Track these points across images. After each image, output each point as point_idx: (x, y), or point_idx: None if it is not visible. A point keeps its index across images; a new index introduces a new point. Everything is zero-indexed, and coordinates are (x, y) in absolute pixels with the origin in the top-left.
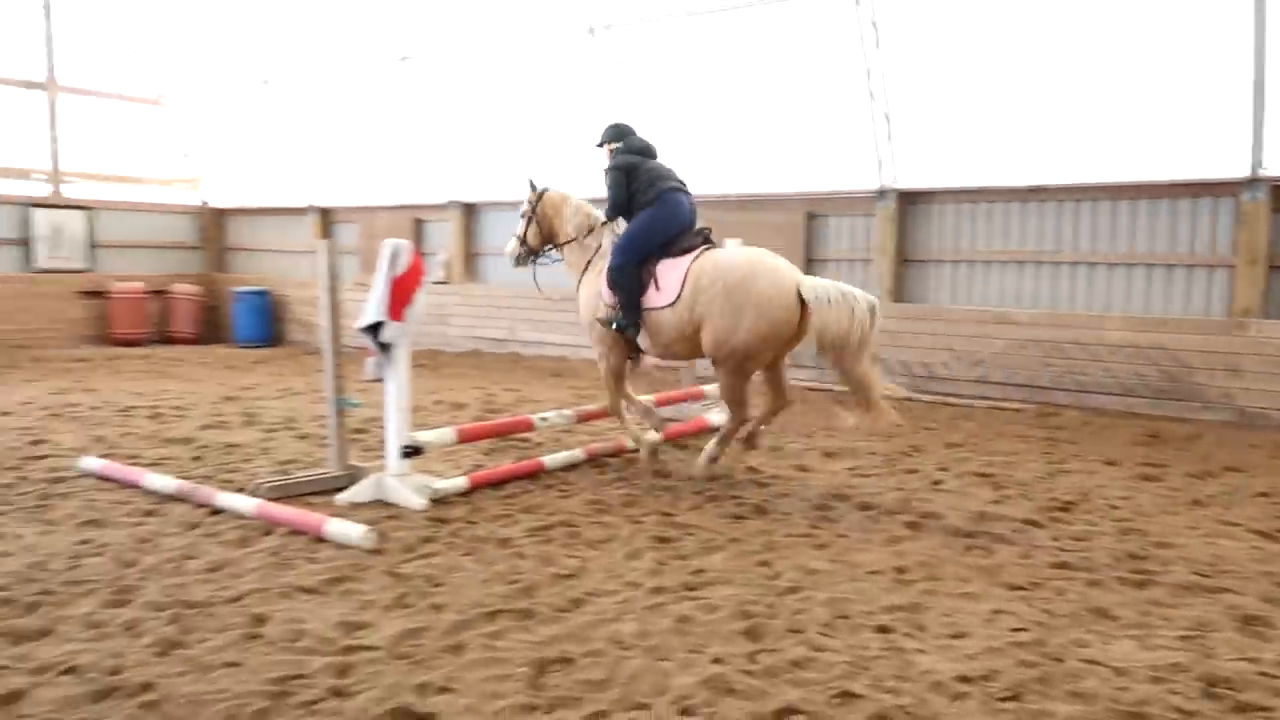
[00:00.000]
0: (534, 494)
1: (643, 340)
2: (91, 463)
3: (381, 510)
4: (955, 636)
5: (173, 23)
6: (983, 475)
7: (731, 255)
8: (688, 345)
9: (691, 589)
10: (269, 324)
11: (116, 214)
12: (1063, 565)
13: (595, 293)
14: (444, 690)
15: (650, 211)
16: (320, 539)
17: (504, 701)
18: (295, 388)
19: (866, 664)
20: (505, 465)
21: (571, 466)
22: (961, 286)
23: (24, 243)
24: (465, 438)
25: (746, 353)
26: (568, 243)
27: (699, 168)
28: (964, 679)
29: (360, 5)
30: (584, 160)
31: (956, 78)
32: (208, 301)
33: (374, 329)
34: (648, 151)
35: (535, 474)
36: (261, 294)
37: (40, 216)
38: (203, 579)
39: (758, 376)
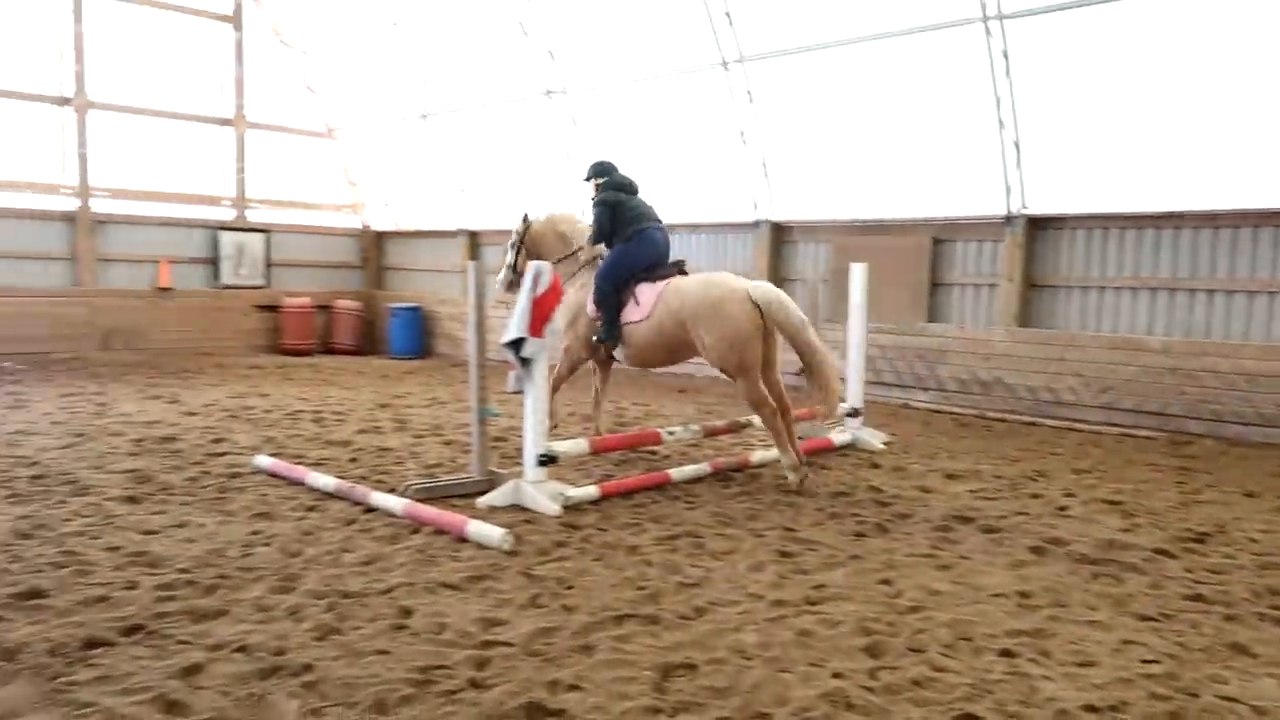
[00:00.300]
0: (661, 504)
1: (618, 351)
2: (263, 461)
3: (518, 514)
4: (1082, 665)
5: (343, 65)
6: (1111, 502)
7: (691, 279)
8: (657, 354)
9: (812, 603)
10: (420, 338)
11: (290, 236)
12: (1197, 598)
13: (575, 304)
14: (573, 688)
15: (628, 246)
16: (462, 539)
17: (630, 703)
18: (441, 397)
19: (989, 687)
20: (634, 476)
21: (697, 480)
22: (1091, 312)
23: (212, 261)
24: (597, 449)
25: (732, 355)
26: (557, 262)
27: (829, 192)
28: (1091, 709)
29: (509, 46)
30: (718, 184)
31: (1087, 103)
32: (366, 316)
33: (516, 344)
34: (628, 188)
35: (663, 485)
36: (414, 310)
37: (226, 238)
38: (357, 571)
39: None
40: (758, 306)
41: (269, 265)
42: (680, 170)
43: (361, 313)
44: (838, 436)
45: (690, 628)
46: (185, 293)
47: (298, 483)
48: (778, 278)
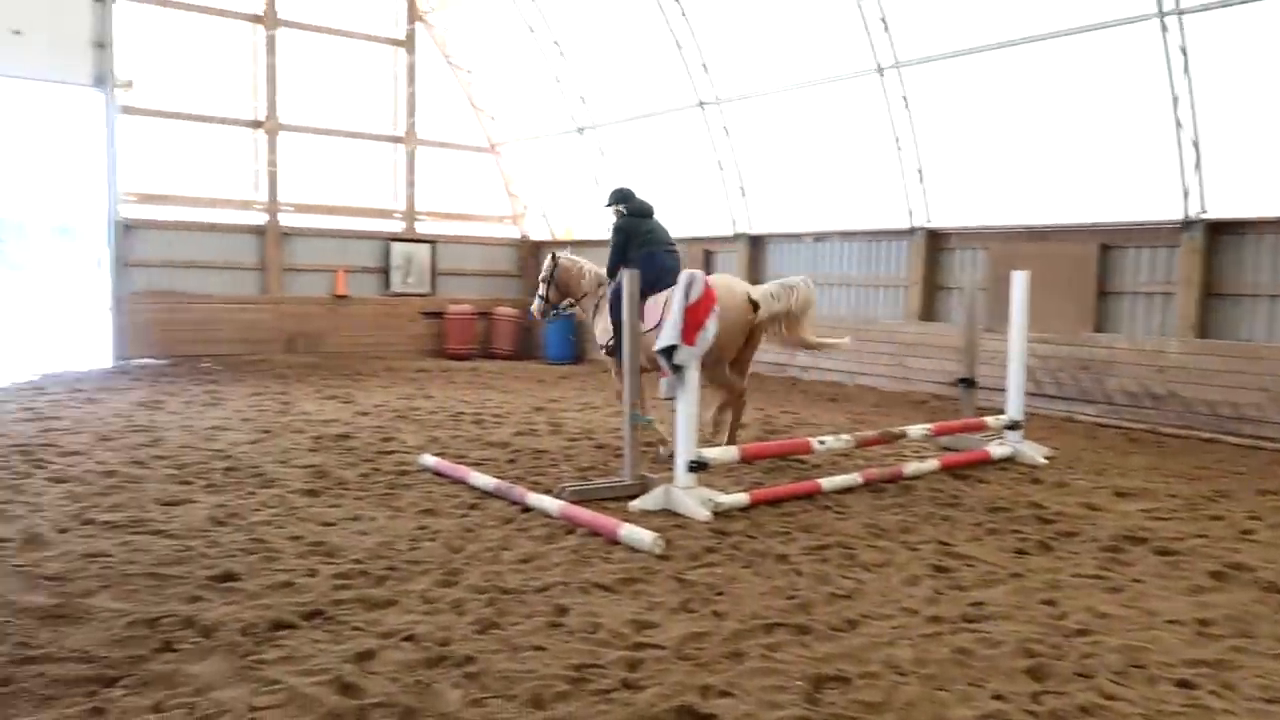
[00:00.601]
0: (811, 513)
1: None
2: (429, 460)
3: (669, 519)
4: (1272, 701)
5: (506, 83)
6: None
7: None
8: None
9: (970, 621)
10: (575, 344)
11: (454, 246)
12: None
13: (603, 329)
14: (725, 694)
15: (638, 269)
16: (614, 541)
17: (781, 712)
18: (593, 403)
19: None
20: (784, 484)
21: (848, 490)
22: (1279, 322)
23: (384, 271)
24: (747, 456)
25: (718, 345)
26: (583, 297)
27: (987, 198)
28: None
29: (664, 60)
30: (872, 192)
31: (1272, 101)
32: (524, 323)
33: (669, 352)
34: (645, 212)
35: (813, 495)
36: (568, 317)
37: (397, 249)
38: (515, 569)
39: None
40: (754, 305)
41: (435, 274)
42: (833, 178)
43: (519, 319)
44: (996, 449)
45: (842, 640)
46: (359, 300)
47: (460, 481)
48: (933, 285)
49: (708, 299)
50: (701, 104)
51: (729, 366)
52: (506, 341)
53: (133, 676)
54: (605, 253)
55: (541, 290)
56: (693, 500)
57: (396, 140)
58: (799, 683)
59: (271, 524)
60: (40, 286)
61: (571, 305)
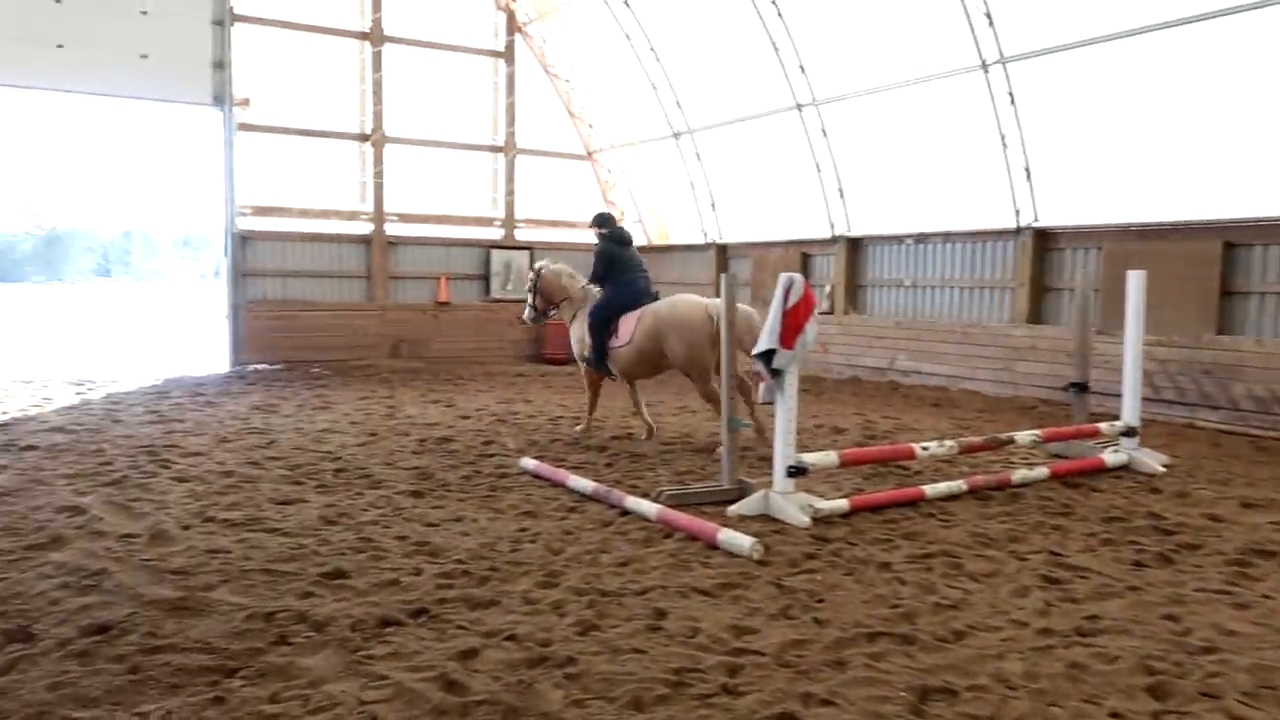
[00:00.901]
0: (914, 521)
1: (612, 367)
2: (529, 463)
3: (767, 524)
4: None
5: (602, 90)
6: None
7: (659, 302)
8: (638, 369)
9: (1085, 635)
10: None
11: (551, 252)
12: None
13: (579, 337)
14: (826, 703)
15: (616, 291)
16: (713, 546)
17: None
18: (691, 406)
19: None
20: (885, 491)
21: (952, 497)
22: None
23: (484, 277)
24: (847, 461)
25: (690, 363)
26: (563, 301)
27: (1099, 195)
28: None
29: (760, 64)
30: (976, 191)
31: None
32: None
33: (767, 356)
34: (623, 239)
35: (915, 502)
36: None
37: (496, 256)
38: (614, 571)
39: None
40: (713, 320)
41: None
42: (934, 178)
43: None
44: (1111, 457)
45: (948, 651)
46: (460, 306)
47: (559, 485)
48: (1041, 287)
49: (807, 302)
50: (799, 106)
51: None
52: None
53: (250, 668)
54: (685, 256)
55: (530, 299)
56: (792, 506)
57: (496, 150)
58: (904, 694)
59: (379, 524)
60: (164, 295)
61: (555, 310)
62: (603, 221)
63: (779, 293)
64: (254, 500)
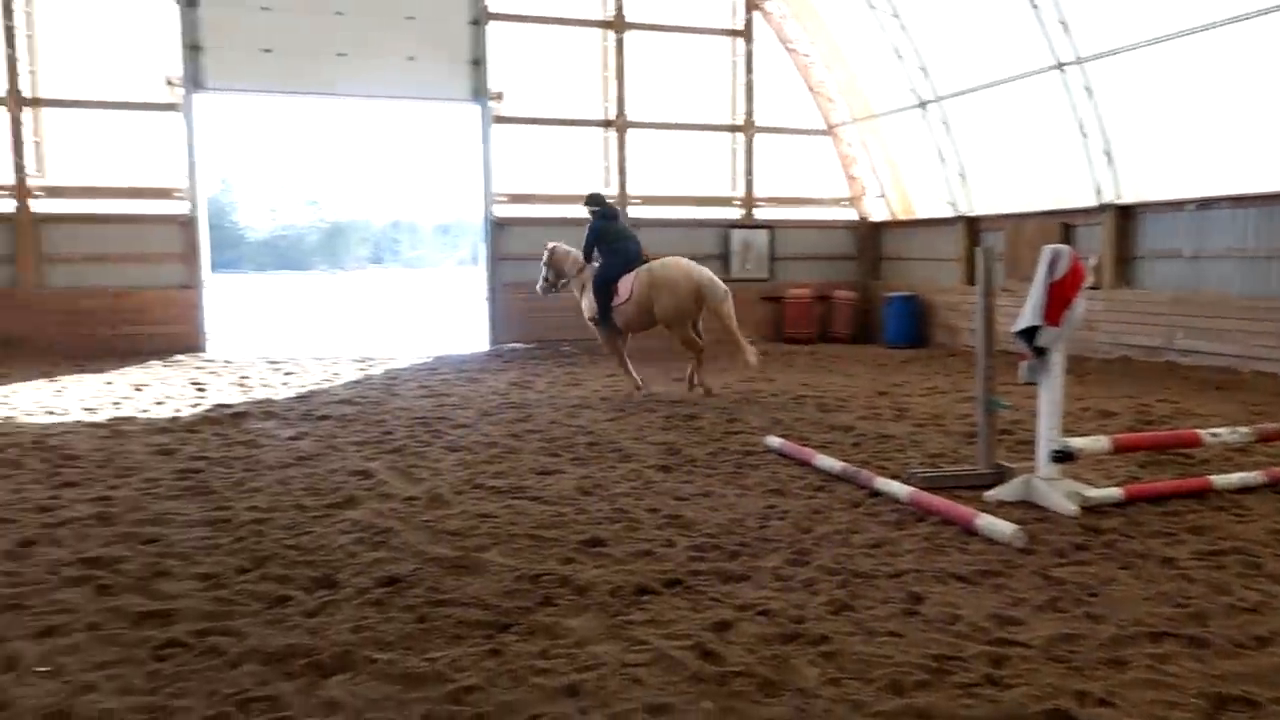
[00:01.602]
0: (1201, 514)
1: (617, 321)
2: (774, 441)
3: (1029, 511)
4: None
5: (843, 62)
6: None
7: (653, 264)
8: (639, 322)
9: None
10: (916, 327)
11: (791, 231)
12: None
13: (589, 304)
14: (1104, 703)
15: (611, 259)
16: (969, 531)
17: None
18: (940, 387)
19: None
20: (1165, 480)
21: (1247, 490)
22: None
23: (723, 257)
24: (1120, 447)
25: (676, 315)
26: (577, 274)
27: None
28: None
29: (1014, 22)
30: (1266, 151)
31: None
32: (862, 306)
33: (1029, 333)
34: (610, 214)
35: (1202, 493)
36: (909, 299)
37: (735, 235)
38: (865, 553)
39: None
40: (697, 283)
41: (772, 259)
42: (1221, 137)
43: (857, 302)
44: None
45: (1247, 658)
46: None
47: (805, 463)
48: None
49: (1075, 275)
50: (1060, 65)
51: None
52: (844, 325)
53: (521, 625)
54: (930, 231)
55: (544, 273)
56: (1058, 493)
57: (735, 129)
58: (1195, 700)
59: (631, 496)
60: (427, 280)
61: (564, 282)
62: (596, 200)
63: (1043, 265)
64: (516, 470)
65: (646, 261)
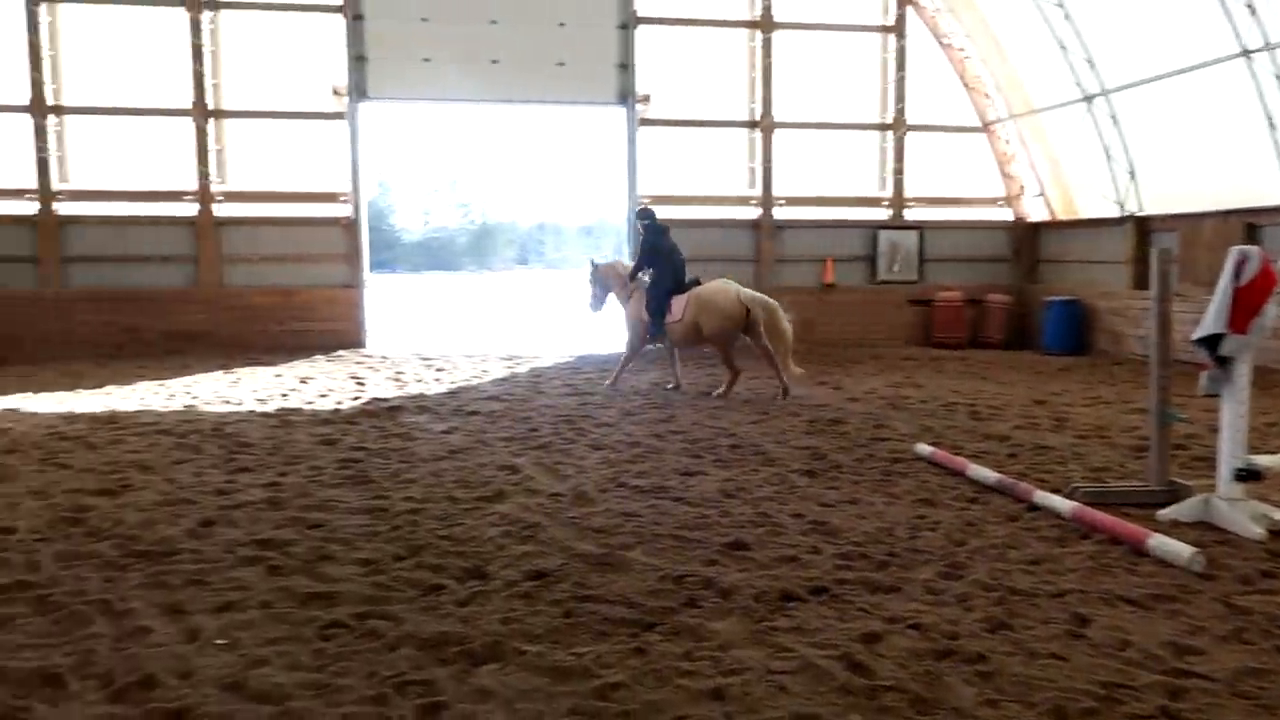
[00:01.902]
0: None
1: (670, 335)
2: (924, 449)
3: (1208, 533)
4: None
5: (1001, 57)
6: None
7: (704, 287)
8: (688, 339)
9: None
10: (1076, 333)
11: (941, 232)
12: None
13: (636, 313)
14: None
15: (663, 275)
16: (1140, 552)
17: None
18: (1104, 397)
19: None
20: None
21: None
22: None
23: (870, 259)
24: None
25: (720, 335)
26: (619, 289)
27: None
28: None
29: (1190, 8)
30: None
31: None
32: (1017, 310)
33: (1212, 341)
34: (664, 230)
35: None
36: (1071, 303)
37: (883, 236)
38: (1024, 569)
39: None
40: (740, 303)
41: (922, 260)
42: None
43: (1012, 306)
44: None
45: None
46: (845, 289)
47: (957, 473)
48: None
49: (1266, 278)
50: (1246, 52)
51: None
52: (998, 329)
53: (665, 625)
54: (1095, 232)
55: (592, 289)
56: (1242, 514)
57: (884, 127)
58: None
59: (774, 500)
60: (570, 281)
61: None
62: (648, 214)
63: (1229, 267)
64: (659, 470)
65: (696, 282)
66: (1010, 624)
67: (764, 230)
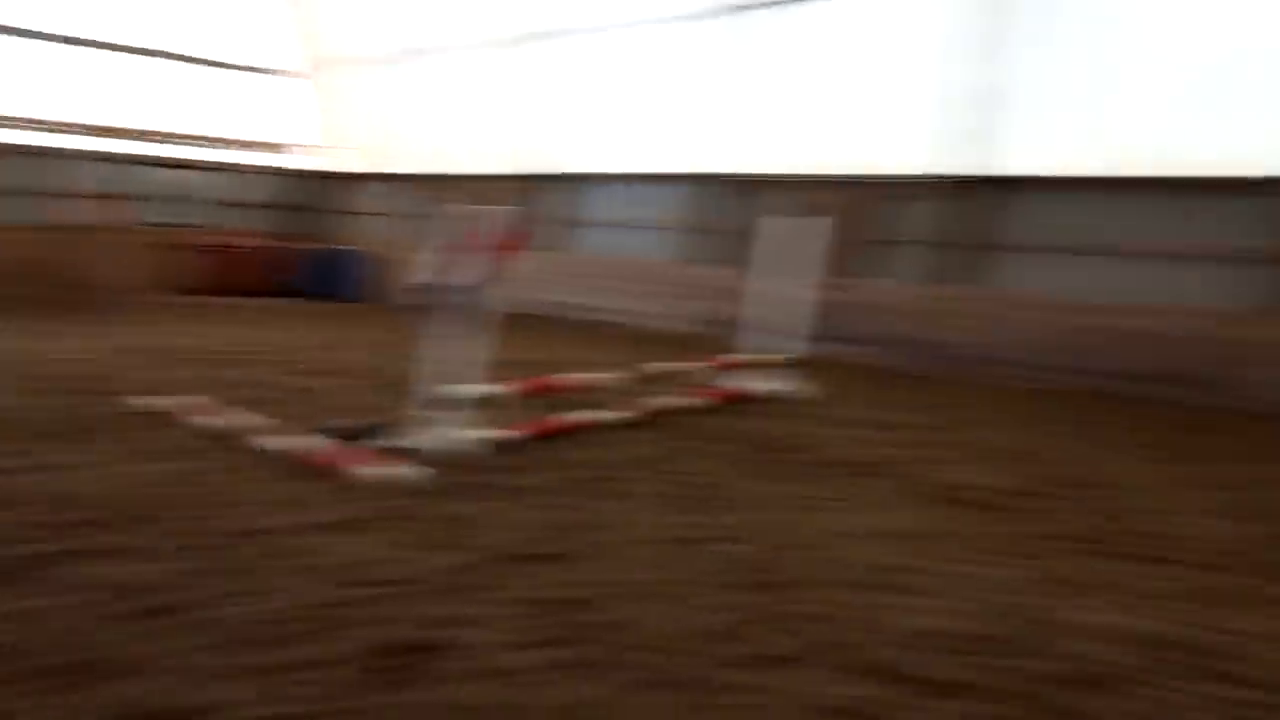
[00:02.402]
0: (584, 448)
1: None
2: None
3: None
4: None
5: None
6: None
7: None
8: None
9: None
10: (356, 281)
11: (224, 174)
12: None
13: None
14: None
15: None
16: (352, 481)
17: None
18: (354, 341)
19: None
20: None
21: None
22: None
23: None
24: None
25: None
26: None
27: None
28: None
29: None
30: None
31: None
32: (299, 258)
33: (433, 287)
34: None
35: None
36: (356, 253)
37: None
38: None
39: None
40: None
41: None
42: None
43: (297, 254)
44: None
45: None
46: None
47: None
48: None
49: (509, 238)
50: (518, 39)
51: None
52: (274, 276)
53: None
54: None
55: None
56: (454, 438)
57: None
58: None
59: None
60: None
61: None
62: None
63: (477, 225)
64: None
65: None
66: (253, 569)
67: None
